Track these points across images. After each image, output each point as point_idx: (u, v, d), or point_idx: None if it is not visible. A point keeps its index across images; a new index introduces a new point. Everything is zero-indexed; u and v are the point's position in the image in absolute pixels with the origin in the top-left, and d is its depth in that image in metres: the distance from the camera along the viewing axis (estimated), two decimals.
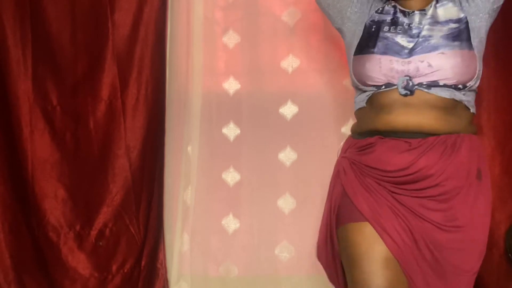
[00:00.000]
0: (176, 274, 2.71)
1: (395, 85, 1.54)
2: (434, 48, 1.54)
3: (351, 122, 2.49)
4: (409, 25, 1.59)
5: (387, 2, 1.68)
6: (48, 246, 2.68)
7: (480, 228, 1.56)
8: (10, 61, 2.63)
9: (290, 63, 2.68)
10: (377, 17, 1.63)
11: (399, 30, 1.57)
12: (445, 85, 1.53)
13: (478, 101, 2.58)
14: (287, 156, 2.71)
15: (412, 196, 1.54)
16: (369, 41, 1.58)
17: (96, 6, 2.63)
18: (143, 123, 2.68)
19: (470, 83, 1.56)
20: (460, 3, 1.63)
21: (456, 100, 1.56)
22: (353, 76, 1.64)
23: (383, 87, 1.56)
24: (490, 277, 2.62)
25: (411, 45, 1.55)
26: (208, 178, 2.71)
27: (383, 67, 1.55)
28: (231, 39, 2.70)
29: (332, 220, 1.61)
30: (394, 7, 1.65)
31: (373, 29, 1.59)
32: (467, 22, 1.60)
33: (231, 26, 2.70)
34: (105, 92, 2.66)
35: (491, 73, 2.58)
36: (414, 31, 1.57)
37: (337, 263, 1.65)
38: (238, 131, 2.72)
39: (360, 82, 1.62)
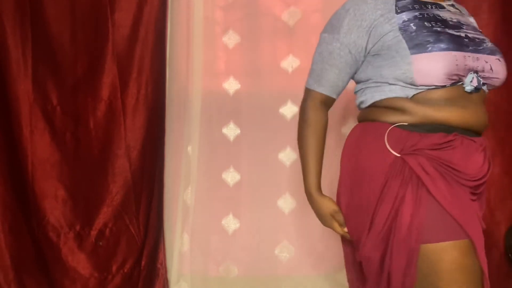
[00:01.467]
0: (176, 274, 2.70)
1: (460, 82, 1.44)
2: (492, 51, 1.49)
3: (351, 122, 2.50)
4: (441, 16, 1.48)
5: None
6: (48, 246, 2.68)
7: None
8: (10, 61, 2.63)
9: (290, 63, 2.68)
10: (404, 16, 1.46)
11: (441, 24, 1.45)
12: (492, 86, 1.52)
13: None
14: (287, 156, 2.71)
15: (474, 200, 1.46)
16: (428, 38, 1.41)
17: (96, 6, 2.63)
18: (143, 123, 2.68)
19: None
20: None
21: None
22: (408, 76, 1.43)
23: (448, 85, 1.43)
24: (490, 277, 2.60)
25: (463, 34, 1.45)
26: (208, 178, 2.71)
27: (459, 65, 1.42)
28: (231, 39, 2.70)
29: (415, 236, 1.38)
30: (409, 1, 1.50)
31: (414, 27, 1.42)
32: None
33: (231, 26, 2.70)
34: (105, 92, 2.66)
35: None
36: (452, 24, 1.47)
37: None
38: (238, 131, 2.72)
39: (421, 82, 1.43)
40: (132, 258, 2.70)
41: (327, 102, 1.56)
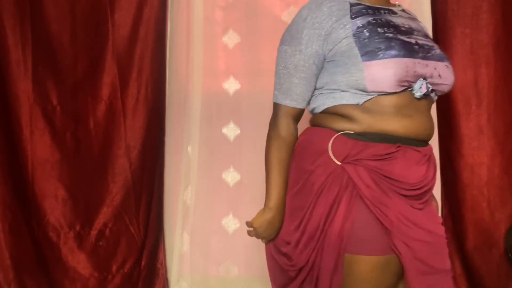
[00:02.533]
0: (176, 274, 2.71)
1: (410, 88, 1.45)
2: (441, 58, 1.48)
3: None
4: (393, 22, 1.48)
5: (347, 4, 1.51)
6: (48, 246, 2.68)
7: None
8: (10, 61, 2.63)
9: None
10: (358, 22, 1.45)
11: (393, 30, 1.45)
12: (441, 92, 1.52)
13: (478, 101, 2.61)
14: None
15: (419, 209, 1.45)
16: (380, 44, 1.41)
17: (96, 6, 2.63)
18: (143, 123, 2.68)
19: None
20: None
21: None
22: (359, 83, 1.43)
23: (399, 91, 1.43)
24: (490, 277, 2.62)
25: (414, 41, 1.45)
26: (208, 178, 2.71)
27: (409, 72, 1.41)
28: (231, 39, 2.70)
29: (342, 244, 1.42)
30: (361, 5, 1.50)
31: (367, 33, 1.42)
32: None
33: (231, 26, 2.70)
34: (105, 92, 2.66)
35: (491, 73, 2.59)
36: (403, 29, 1.47)
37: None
38: (238, 131, 2.72)
39: (373, 89, 1.43)
40: (132, 258, 2.70)
41: (297, 115, 1.56)
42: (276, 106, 1.60)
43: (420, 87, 1.43)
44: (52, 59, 2.65)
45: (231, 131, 2.72)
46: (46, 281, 2.69)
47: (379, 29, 1.42)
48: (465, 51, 2.60)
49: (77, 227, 2.70)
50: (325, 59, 1.48)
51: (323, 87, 1.51)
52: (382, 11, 1.50)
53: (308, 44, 1.47)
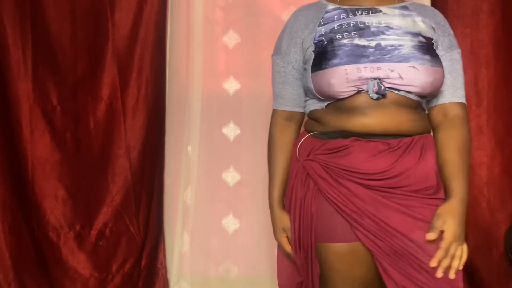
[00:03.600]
0: (176, 274, 2.71)
1: (364, 90, 1.49)
2: (405, 58, 1.47)
3: None
4: (364, 23, 1.51)
5: (326, 6, 1.59)
6: (48, 246, 2.68)
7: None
8: (10, 61, 2.63)
9: None
10: (323, 29, 1.52)
11: (354, 34, 1.49)
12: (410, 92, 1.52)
13: (478, 101, 2.61)
14: None
15: (392, 194, 1.48)
16: (326, 54, 1.47)
17: (96, 6, 2.63)
18: (143, 123, 2.68)
19: (431, 96, 1.57)
20: (433, 28, 1.59)
21: (418, 101, 1.55)
22: (314, 92, 1.54)
23: (352, 95, 1.50)
24: (490, 277, 2.62)
25: (373, 43, 1.48)
26: (208, 178, 2.71)
27: (350, 78, 1.46)
28: (231, 39, 2.70)
29: (312, 234, 1.52)
30: (339, 9, 1.57)
31: (325, 42, 1.49)
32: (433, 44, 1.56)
33: (231, 26, 2.70)
34: (105, 92, 2.66)
35: (491, 73, 2.59)
36: (373, 30, 1.50)
37: (311, 275, 1.58)
38: (238, 131, 2.72)
39: (324, 97, 1.53)
40: (132, 258, 2.70)
41: (293, 117, 1.67)
42: (273, 112, 1.76)
43: (373, 88, 1.47)
44: (52, 59, 2.65)
45: (231, 131, 2.72)
46: (46, 281, 2.69)
47: (337, 36, 1.48)
48: (465, 51, 2.57)
49: (77, 227, 2.70)
50: (304, 64, 1.58)
51: (306, 93, 1.63)
52: (359, 12, 1.53)
53: (286, 52, 1.61)
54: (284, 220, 1.65)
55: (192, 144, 2.70)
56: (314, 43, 1.51)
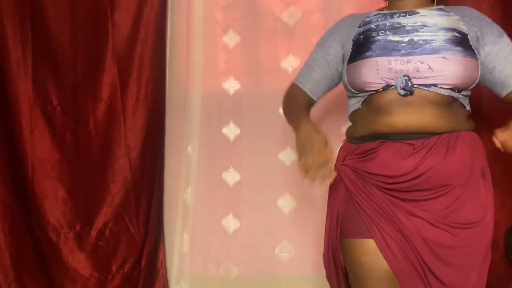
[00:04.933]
0: (176, 274, 2.71)
1: (393, 85, 1.52)
2: (436, 50, 1.50)
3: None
4: (400, 23, 1.57)
5: (369, 13, 1.70)
6: (48, 246, 2.68)
7: (490, 226, 1.56)
8: (10, 61, 2.63)
9: (290, 63, 2.68)
10: (361, 29, 1.63)
11: (389, 32, 1.56)
12: (442, 88, 1.52)
13: (478, 101, 2.61)
14: (287, 156, 2.71)
15: (415, 200, 1.52)
16: (361, 48, 1.56)
17: (96, 6, 2.63)
18: (143, 123, 2.67)
19: (467, 90, 1.57)
20: (472, 23, 1.62)
21: (454, 97, 1.55)
22: (347, 85, 1.63)
23: (381, 89, 1.54)
24: (490, 277, 2.61)
25: (407, 39, 1.53)
26: (208, 178, 2.72)
27: (380, 70, 1.52)
28: (231, 39, 2.70)
29: (338, 230, 1.60)
30: (379, 14, 1.66)
31: (362, 39, 1.59)
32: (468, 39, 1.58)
33: (231, 26, 2.70)
34: (105, 92, 2.66)
35: None
36: (408, 28, 1.55)
37: (339, 274, 1.66)
38: (238, 131, 2.72)
39: (356, 90, 1.61)
40: (132, 258, 2.70)
41: (301, 95, 1.77)
42: (291, 85, 1.84)
43: (401, 84, 1.50)
44: (52, 59, 2.65)
45: (231, 131, 2.72)
46: (46, 281, 2.69)
47: (373, 33, 1.58)
48: None
49: (77, 227, 2.70)
50: (342, 61, 1.67)
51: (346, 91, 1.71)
52: (397, 15, 1.60)
53: (324, 43, 1.73)
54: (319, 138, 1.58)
55: (192, 144, 2.70)
56: (353, 41, 1.60)
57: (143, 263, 2.69)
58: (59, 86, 2.67)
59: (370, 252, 1.51)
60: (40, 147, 2.66)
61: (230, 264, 2.74)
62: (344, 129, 2.58)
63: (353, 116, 1.68)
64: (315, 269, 2.72)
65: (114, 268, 2.70)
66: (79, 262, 2.68)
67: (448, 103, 1.54)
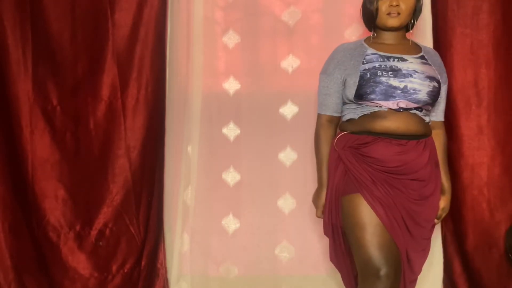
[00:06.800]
0: (176, 274, 2.71)
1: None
2: (418, 101, 2.02)
3: None
4: (397, 67, 2.02)
5: (366, 50, 2.06)
6: (48, 246, 2.68)
7: (438, 200, 2.12)
8: (10, 61, 2.64)
9: (290, 63, 2.69)
10: (366, 66, 2.03)
11: (391, 74, 2.01)
12: (419, 111, 2.06)
13: (478, 101, 2.62)
14: (287, 156, 2.71)
15: (398, 179, 2.03)
16: (367, 89, 2.00)
17: (96, 6, 2.63)
18: (143, 123, 2.68)
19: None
20: (438, 70, 2.11)
21: (425, 114, 2.09)
22: (352, 99, 2.04)
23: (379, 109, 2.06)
24: (490, 277, 2.62)
25: (402, 85, 2.00)
26: (208, 178, 2.72)
27: (383, 106, 2.02)
28: (231, 39, 2.70)
29: (337, 197, 2.03)
30: (376, 54, 2.05)
31: (368, 75, 2.01)
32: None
33: (231, 26, 2.70)
34: (105, 92, 2.66)
35: (491, 73, 2.59)
36: (404, 72, 2.02)
37: (338, 231, 2.06)
38: (238, 131, 2.72)
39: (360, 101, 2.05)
40: (132, 258, 2.70)
41: (332, 120, 2.14)
42: (318, 116, 2.16)
43: (395, 107, 2.03)
44: (52, 59, 2.66)
45: (231, 131, 2.72)
46: (46, 281, 2.69)
47: (378, 72, 2.01)
48: (465, 51, 2.60)
49: (77, 227, 2.70)
50: (343, 84, 2.09)
51: (344, 104, 2.13)
52: (392, 59, 2.05)
53: (333, 72, 2.09)
54: (324, 199, 2.11)
55: (192, 144, 2.70)
56: (360, 73, 2.01)
57: (143, 263, 2.70)
58: (59, 86, 2.67)
59: (363, 204, 1.97)
60: (40, 147, 2.66)
61: (230, 264, 2.74)
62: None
63: (352, 119, 2.08)
64: (315, 269, 2.72)
65: (114, 268, 2.70)
66: (79, 262, 2.69)
67: (422, 116, 2.08)
